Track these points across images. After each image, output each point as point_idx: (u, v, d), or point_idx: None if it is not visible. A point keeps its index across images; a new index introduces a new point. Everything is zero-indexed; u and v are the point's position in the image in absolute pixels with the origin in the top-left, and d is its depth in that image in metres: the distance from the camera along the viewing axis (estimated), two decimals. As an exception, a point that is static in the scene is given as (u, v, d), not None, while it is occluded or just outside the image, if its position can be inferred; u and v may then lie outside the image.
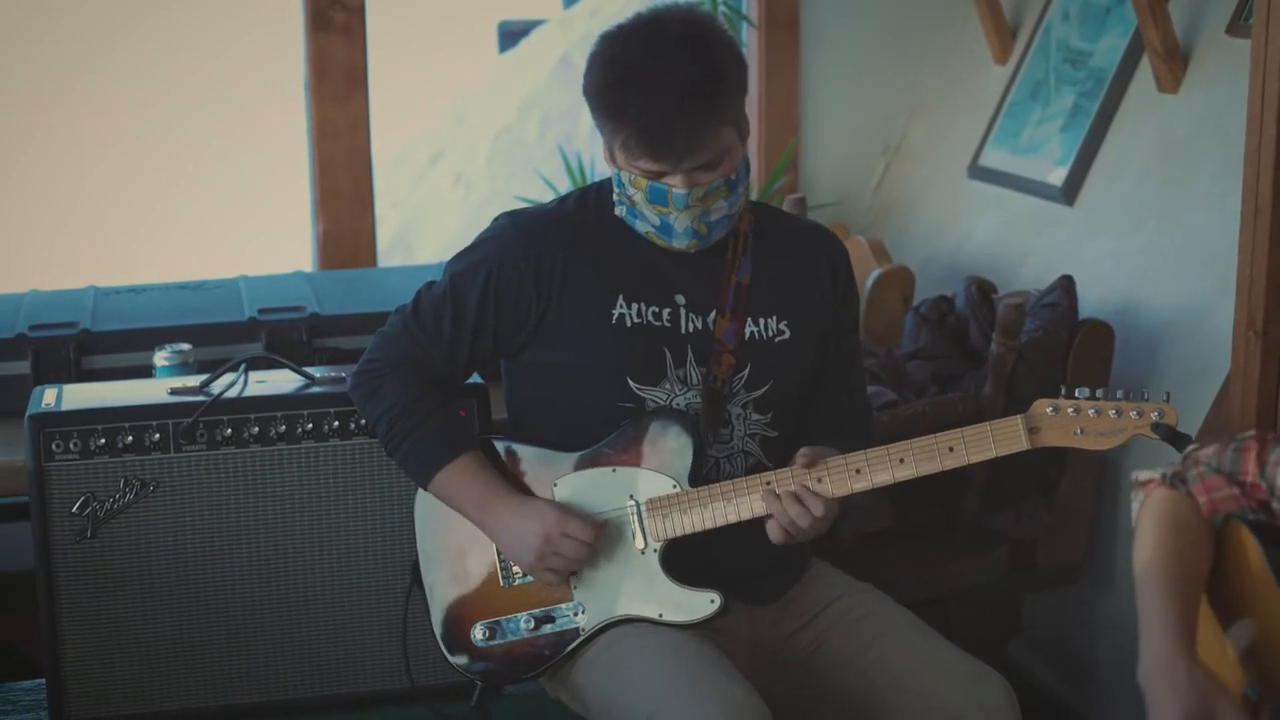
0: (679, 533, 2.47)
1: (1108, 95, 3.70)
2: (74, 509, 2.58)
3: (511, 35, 7.94)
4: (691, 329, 2.51)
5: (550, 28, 7.30)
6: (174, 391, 2.66)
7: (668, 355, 2.50)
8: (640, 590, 2.49)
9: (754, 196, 4.32)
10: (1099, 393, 2.33)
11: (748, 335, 2.53)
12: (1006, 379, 3.10)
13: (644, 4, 2.54)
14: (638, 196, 2.45)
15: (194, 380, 2.71)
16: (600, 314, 2.49)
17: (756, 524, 2.45)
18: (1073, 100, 3.81)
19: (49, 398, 2.66)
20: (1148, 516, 1.90)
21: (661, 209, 2.44)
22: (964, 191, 4.14)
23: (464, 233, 5.82)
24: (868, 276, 3.70)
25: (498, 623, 2.55)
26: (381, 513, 2.67)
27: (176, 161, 6.05)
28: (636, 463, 2.48)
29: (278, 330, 3.14)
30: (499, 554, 2.54)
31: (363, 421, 2.63)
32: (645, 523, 2.48)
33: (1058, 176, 3.77)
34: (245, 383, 2.70)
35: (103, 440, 2.57)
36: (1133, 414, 2.30)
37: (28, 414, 2.60)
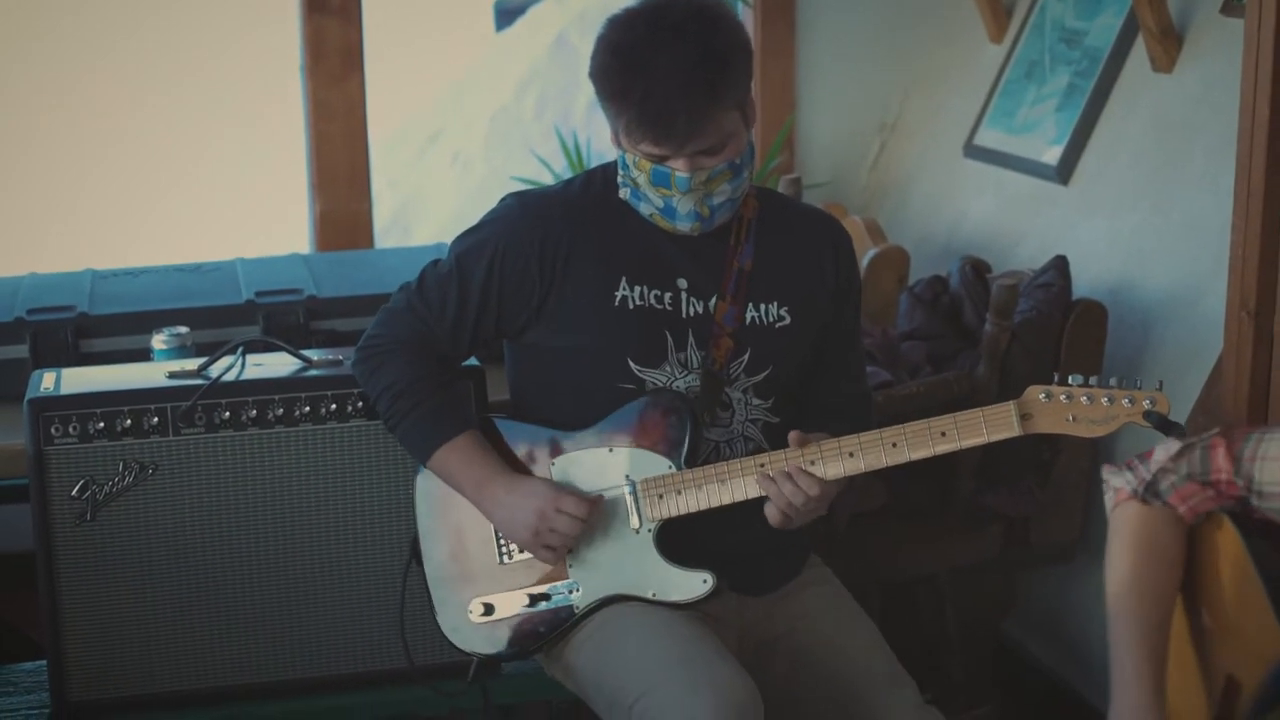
0: (673, 513, 2.49)
1: (1103, 75, 3.70)
2: (73, 492, 2.59)
3: (508, 14, 7.92)
4: (692, 313, 2.53)
5: (547, 6, 7.29)
6: (172, 375, 2.68)
7: (668, 338, 2.52)
8: (634, 570, 2.51)
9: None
10: (1092, 380, 2.34)
11: (749, 320, 2.54)
12: (1000, 359, 3.11)
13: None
14: (641, 179, 2.46)
15: (192, 364, 2.72)
16: (603, 296, 2.51)
17: (752, 507, 2.47)
18: (1068, 80, 3.82)
19: (48, 382, 2.67)
20: (1121, 537, 1.90)
21: (665, 191, 2.45)
22: (959, 170, 4.14)
23: (461, 212, 5.83)
24: (863, 256, 3.71)
25: (494, 600, 2.57)
26: (378, 495, 2.68)
27: (176, 144, 6.05)
28: (633, 443, 2.50)
29: (275, 313, 3.15)
30: (496, 532, 2.56)
31: (359, 404, 2.65)
32: (640, 503, 2.49)
33: (1053, 156, 3.77)
34: (243, 366, 2.71)
35: (101, 424, 2.58)
36: (1125, 402, 2.31)
37: (27, 398, 2.61)
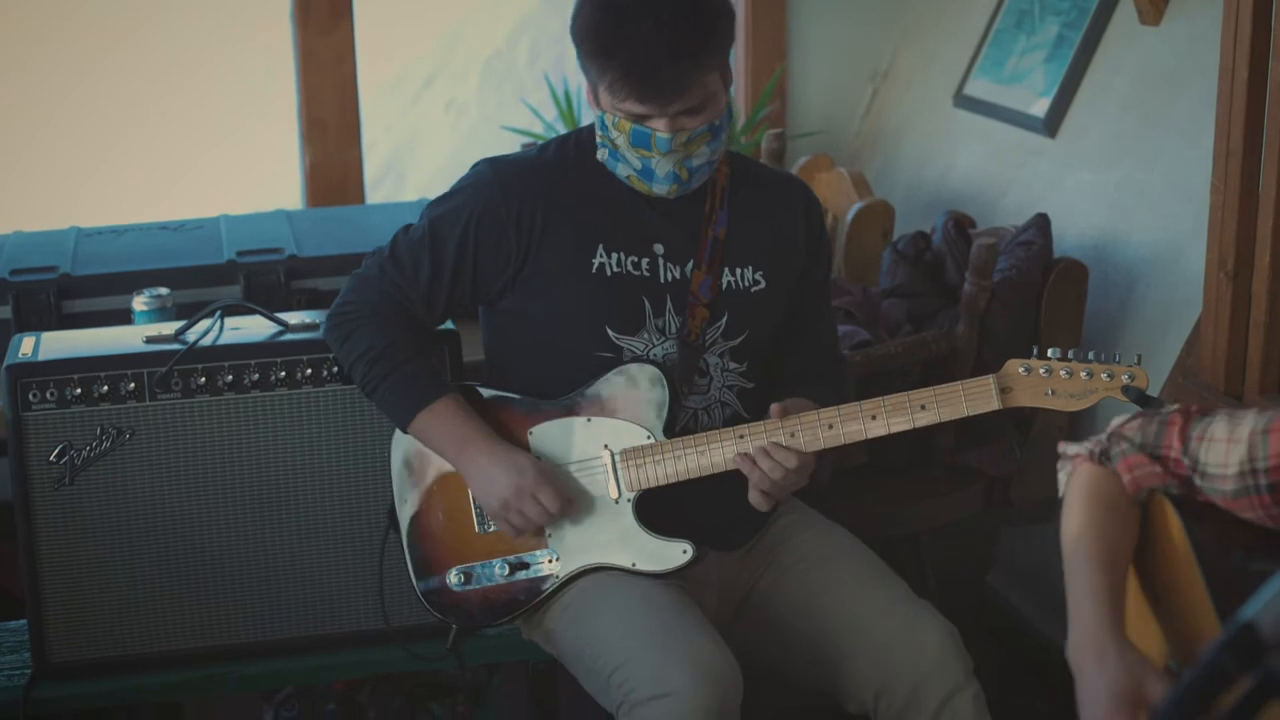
0: (653, 483, 2.50)
1: (1090, 26, 3.68)
2: (51, 457, 2.60)
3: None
4: (670, 278, 2.53)
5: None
6: (149, 340, 2.68)
7: (646, 305, 2.52)
8: (614, 540, 2.52)
9: (739, 124, 4.32)
10: (1071, 353, 2.37)
11: (724, 285, 2.55)
12: (980, 318, 3.11)
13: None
14: (620, 140, 2.46)
15: (169, 328, 2.73)
16: (580, 263, 2.51)
17: (730, 477, 2.48)
18: (1057, 30, 3.79)
19: (26, 347, 2.68)
20: (1075, 492, 1.91)
21: (644, 153, 2.45)
22: (949, 121, 4.12)
23: (453, 160, 5.81)
24: (848, 210, 3.70)
25: (472, 568, 2.58)
26: (355, 458, 2.69)
27: (164, 94, 6.02)
28: (611, 413, 2.51)
29: (256, 272, 3.16)
30: (474, 500, 2.57)
31: (335, 369, 2.65)
32: (619, 473, 2.50)
33: (1040, 108, 3.75)
34: (220, 330, 2.72)
35: (79, 390, 2.60)
36: (1104, 376, 2.34)
37: (4, 364, 2.62)
